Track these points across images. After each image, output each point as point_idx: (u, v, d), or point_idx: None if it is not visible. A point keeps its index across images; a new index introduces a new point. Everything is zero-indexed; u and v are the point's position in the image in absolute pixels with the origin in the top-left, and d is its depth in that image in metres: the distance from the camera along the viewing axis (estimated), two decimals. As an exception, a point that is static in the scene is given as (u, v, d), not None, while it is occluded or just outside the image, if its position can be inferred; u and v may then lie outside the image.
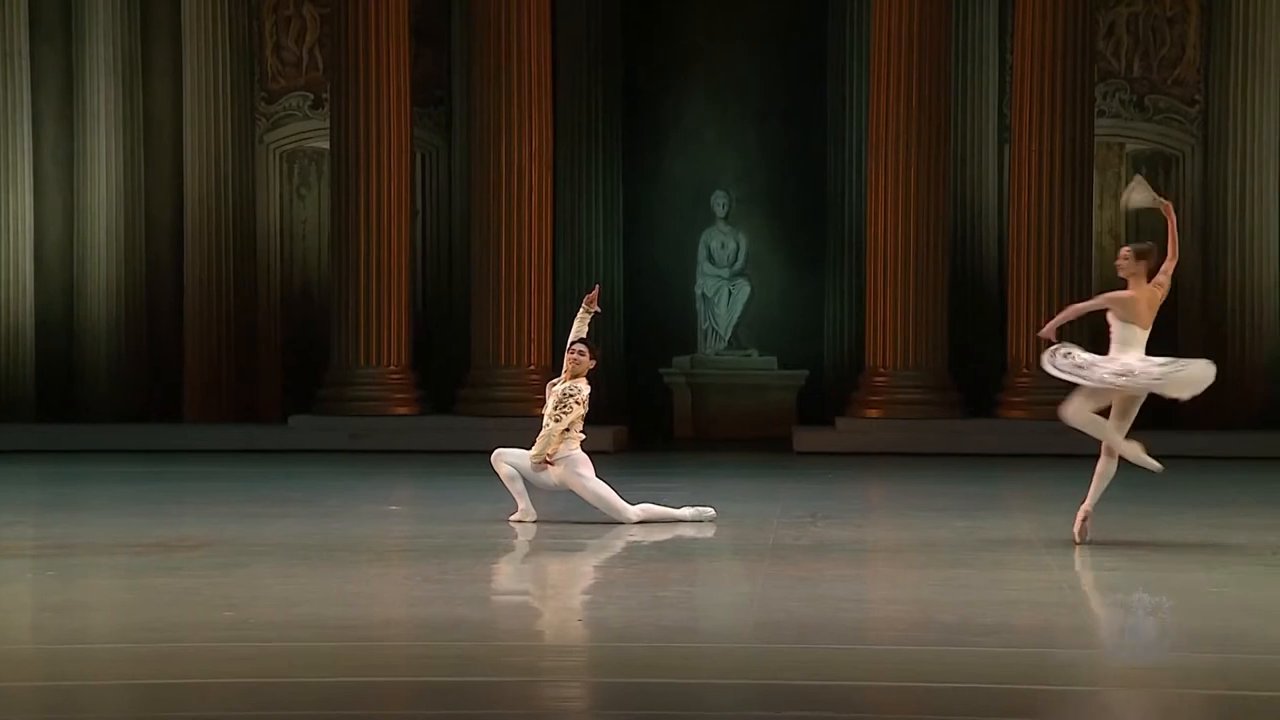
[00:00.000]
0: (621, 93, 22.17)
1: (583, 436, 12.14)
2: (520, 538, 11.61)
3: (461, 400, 19.84)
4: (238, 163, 21.34)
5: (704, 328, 21.66)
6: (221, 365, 21.06)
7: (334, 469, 16.99)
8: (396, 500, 14.85)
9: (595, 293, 12.48)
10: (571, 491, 12.11)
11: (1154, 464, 10.83)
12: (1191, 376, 10.73)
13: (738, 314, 21.54)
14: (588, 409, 12.13)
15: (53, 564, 10.21)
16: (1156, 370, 10.65)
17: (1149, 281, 10.78)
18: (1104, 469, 10.89)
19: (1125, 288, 10.91)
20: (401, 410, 19.72)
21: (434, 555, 10.66)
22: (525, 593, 9.88)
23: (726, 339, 21.57)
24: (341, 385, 19.76)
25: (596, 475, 12.09)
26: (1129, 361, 10.65)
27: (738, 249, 21.71)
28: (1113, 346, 10.80)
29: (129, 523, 12.47)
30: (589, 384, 12.15)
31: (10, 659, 7.43)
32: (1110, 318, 10.83)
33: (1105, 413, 10.86)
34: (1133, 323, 10.72)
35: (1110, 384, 10.60)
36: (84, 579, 9.83)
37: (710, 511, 12.31)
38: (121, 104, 20.99)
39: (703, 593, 9.76)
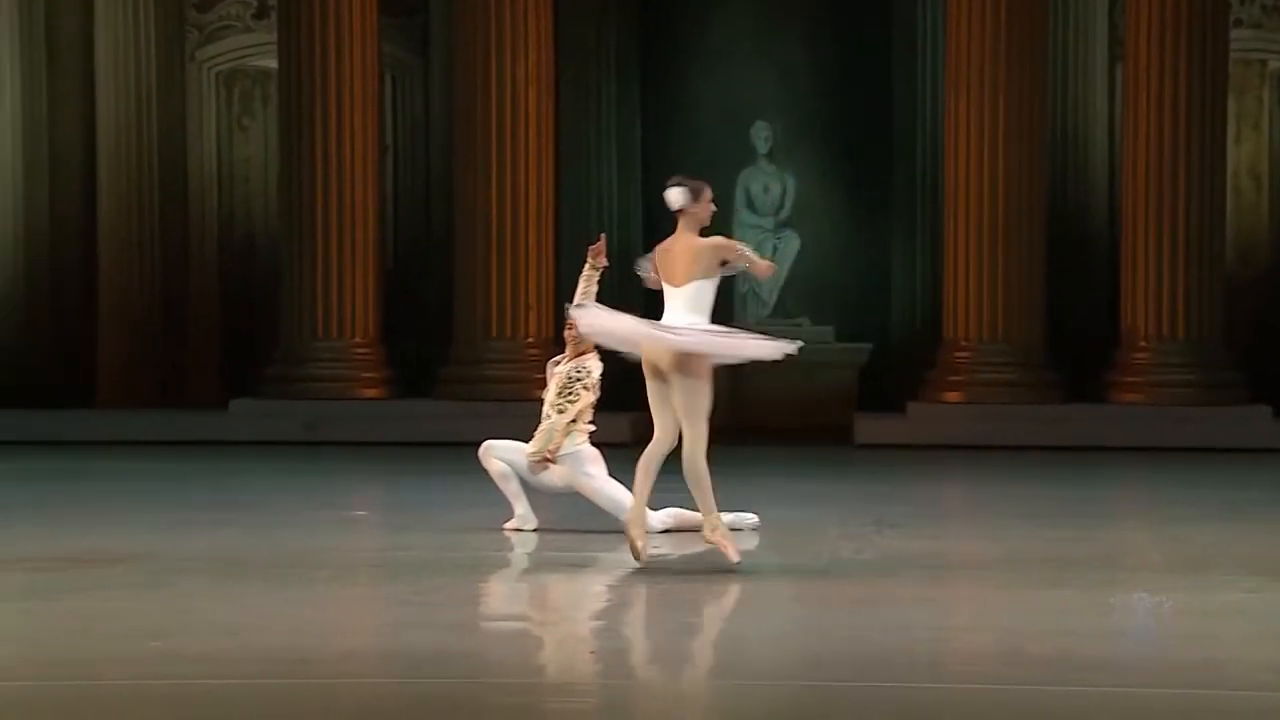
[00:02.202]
0: (639, -1, 22.14)
1: (592, 428, 12.14)
2: (516, 550, 11.60)
3: (442, 381, 19.87)
4: (163, 87, 21.32)
5: (743, 291, 21.65)
6: (144, 338, 21.06)
7: (285, 465, 16.98)
8: (362, 504, 14.85)
9: (601, 243, 12.39)
10: (579, 494, 12.11)
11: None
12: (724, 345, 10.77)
13: (785, 274, 21.52)
14: (599, 394, 12.11)
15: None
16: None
17: (698, 233, 10.60)
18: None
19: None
20: (368, 393, 19.77)
21: (409, 572, 10.67)
22: (523, 618, 9.89)
23: (771, 305, 21.58)
24: (294, 363, 19.79)
25: (610, 474, 12.09)
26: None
27: (784, 193, 21.70)
28: None
29: (27, 532, 12.44)
30: (600, 362, 12.13)
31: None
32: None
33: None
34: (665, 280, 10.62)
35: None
36: (-27, 602, 9.82)
37: (752, 519, 12.31)
38: (18, 14, 20.94)
39: (743, 620, 9.76)
